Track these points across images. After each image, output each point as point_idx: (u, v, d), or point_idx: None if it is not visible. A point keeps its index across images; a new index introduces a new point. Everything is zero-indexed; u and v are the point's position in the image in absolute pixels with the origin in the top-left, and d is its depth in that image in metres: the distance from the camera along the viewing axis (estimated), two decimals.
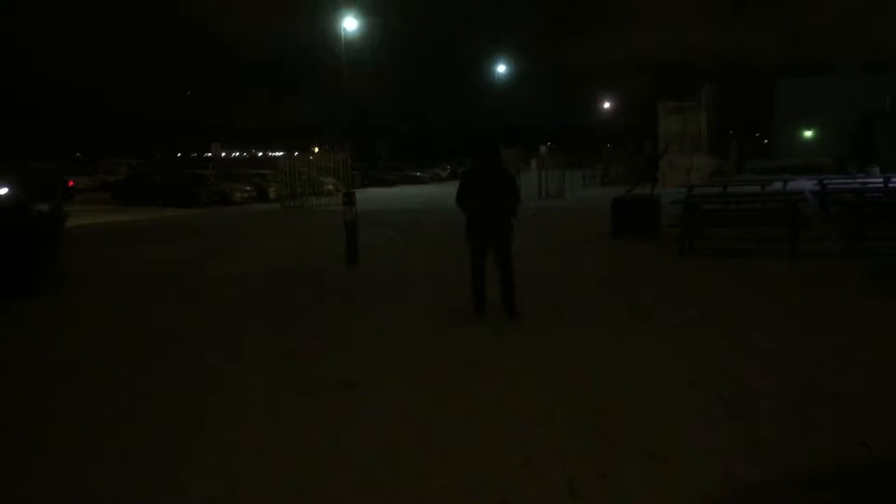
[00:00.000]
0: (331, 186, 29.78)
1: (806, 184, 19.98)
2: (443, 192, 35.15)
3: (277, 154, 55.52)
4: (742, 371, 5.50)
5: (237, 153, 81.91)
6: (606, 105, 75.79)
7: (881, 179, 18.26)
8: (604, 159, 45.26)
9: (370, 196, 31.67)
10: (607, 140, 65.73)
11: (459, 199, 7.55)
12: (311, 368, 6.05)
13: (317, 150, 61.66)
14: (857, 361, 5.65)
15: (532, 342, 6.59)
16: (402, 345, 6.70)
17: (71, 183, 32.48)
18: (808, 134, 49.43)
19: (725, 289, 8.81)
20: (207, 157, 54.78)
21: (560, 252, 12.49)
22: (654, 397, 5.03)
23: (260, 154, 78.97)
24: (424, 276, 10.63)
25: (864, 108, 40.82)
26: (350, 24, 33.52)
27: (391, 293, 9.35)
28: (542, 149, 30.67)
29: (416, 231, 17.24)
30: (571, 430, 4.48)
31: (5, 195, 16.18)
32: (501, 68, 53.69)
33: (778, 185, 18.75)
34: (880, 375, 5.29)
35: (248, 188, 31.55)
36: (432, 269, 11.21)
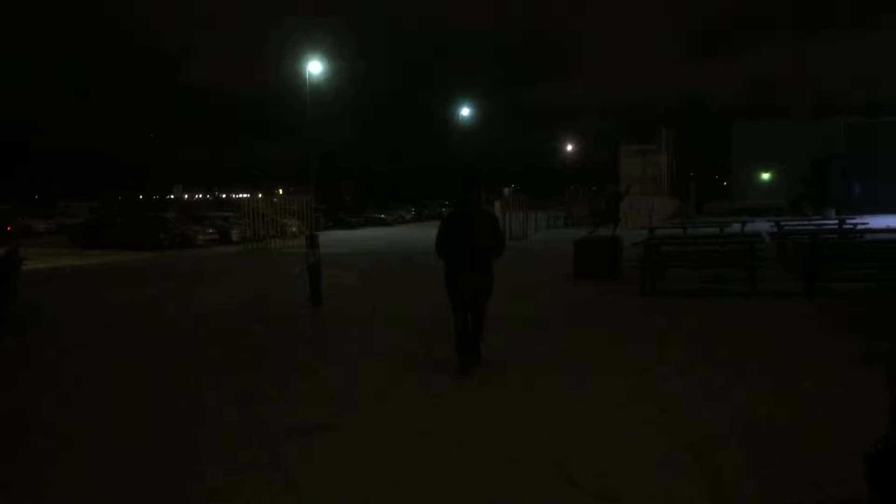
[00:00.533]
0: (294, 229, 29.65)
1: (763, 225, 20.37)
2: (406, 235, 35.29)
3: (241, 196, 55.29)
4: (705, 411, 5.55)
5: (200, 195, 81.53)
6: (570, 147, 76.99)
7: (836, 221, 18.71)
8: (567, 201, 45.78)
9: (334, 238, 31.59)
10: (570, 181, 66.65)
11: (439, 244, 7.04)
12: (275, 412, 5.95)
13: (281, 192, 61.60)
14: (816, 402, 5.72)
15: (497, 385, 6.58)
16: (367, 388, 6.64)
17: (10, 228, 31.84)
18: (764, 176, 50.58)
19: (687, 330, 8.90)
20: (170, 199, 54.37)
21: (524, 294, 12.54)
22: (617, 440, 5.04)
23: (223, 196, 78.70)
24: (388, 317, 10.59)
25: (819, 151, 41.96)
26: (315, 67, 33.72)
27: (356, 335, 9.29)
28: (507, 190, 30.96)
29: (380, 273, 17.21)
30: (535, 475, 4.46)
31: None
32: (466, 111, 54.27)
33: (736, 227, 19.12)
34: (839, 417, 5.36)
35: (210, 231, 31.29)
36: (396, 310, 11.18)
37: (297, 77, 34.43)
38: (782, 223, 18.23)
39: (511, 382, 6.65)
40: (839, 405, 5.61)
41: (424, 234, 35.22)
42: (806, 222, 20.47)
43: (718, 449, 4.76)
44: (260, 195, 40.25)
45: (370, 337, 9.16)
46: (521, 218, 29.13)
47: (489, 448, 4.92)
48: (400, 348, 8.32)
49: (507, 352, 7.87)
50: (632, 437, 5.06)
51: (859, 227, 16.19)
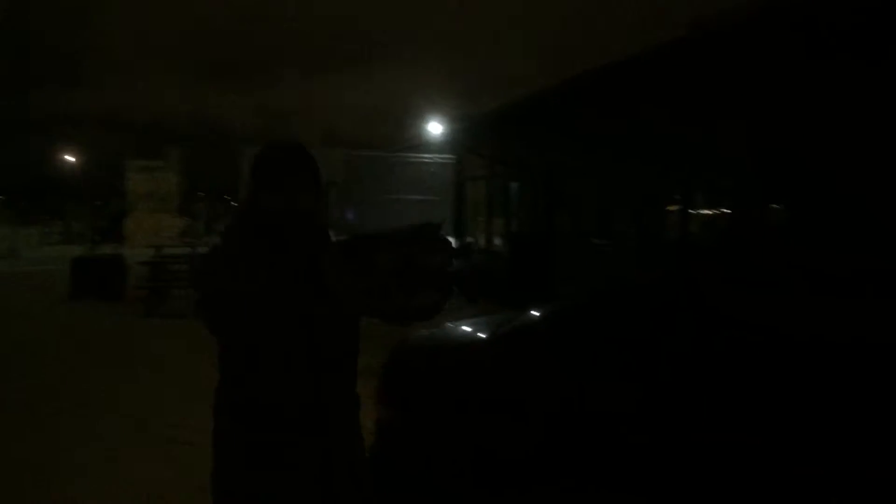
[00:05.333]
0: None
1: None
2: None
3: None
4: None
5: None
6: (72, 159, 70.89)
7: None
8: (67, 216, 42.23)
9: None
10: (71, 195, 61.39)
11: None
12: None
13: None
14: None
15: None
16: None
17: None
18: None
19: (190, 352, 8.66)
20: None
21: (13, 320, 11.02)
22: (119, 477, 4.63)
23: None
24: None
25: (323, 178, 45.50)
26: None
27: None
28: None
29: None
30: None
31: None
32: None
33: None
34: None
35: None
36: None
37: None
38: None
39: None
40: None
41: None
42: None
43: None
44: None
45: None
46: (6, 234, 25.81)
47: None
48: None
49: None
50: (132, 472, 4.69)
51: None
